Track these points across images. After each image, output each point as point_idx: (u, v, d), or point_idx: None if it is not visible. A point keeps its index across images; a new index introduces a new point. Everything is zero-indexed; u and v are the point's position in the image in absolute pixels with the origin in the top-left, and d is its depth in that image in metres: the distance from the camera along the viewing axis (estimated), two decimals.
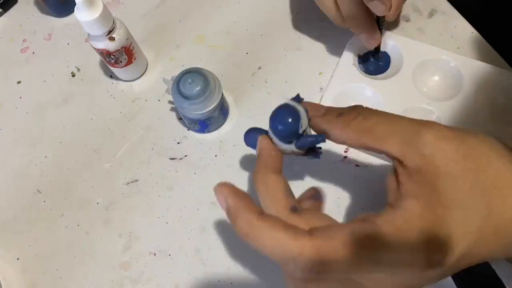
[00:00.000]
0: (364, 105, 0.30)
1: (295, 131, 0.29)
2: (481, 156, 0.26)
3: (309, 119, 0.30)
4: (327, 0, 0.40)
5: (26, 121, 0.50)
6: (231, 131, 0.47)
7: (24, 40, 0.55)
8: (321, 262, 0.24)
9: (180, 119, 0.48)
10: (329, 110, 0.30)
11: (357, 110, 0.29)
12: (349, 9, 0.39)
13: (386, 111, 0.29)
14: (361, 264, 0.24)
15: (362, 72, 0.45)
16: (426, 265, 0.25)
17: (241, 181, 0.44)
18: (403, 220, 0.25)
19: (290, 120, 0.29)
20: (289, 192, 0.29)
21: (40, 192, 0.47)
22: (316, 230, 0.25)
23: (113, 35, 0.42)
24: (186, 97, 0.41)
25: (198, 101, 0.40)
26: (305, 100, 0.31)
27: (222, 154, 0.46)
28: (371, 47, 0.44)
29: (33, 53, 0.54)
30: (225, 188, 0.28)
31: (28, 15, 0.56)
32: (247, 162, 0.45)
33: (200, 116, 0.42)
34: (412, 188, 0.26)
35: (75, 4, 0.39)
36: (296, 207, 0.28)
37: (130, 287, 0.42)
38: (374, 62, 0.45)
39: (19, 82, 0.53)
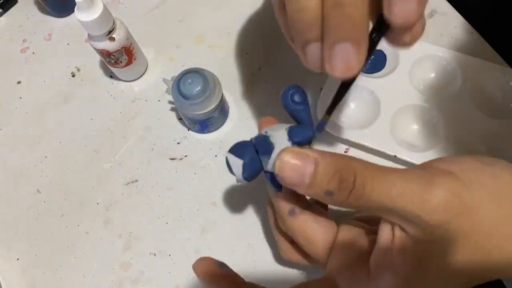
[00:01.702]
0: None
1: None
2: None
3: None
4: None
5: (26, 121, 0.50)
6: (231, 131, 0.47)
7: (24, 40, 0.55)
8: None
9: (180, 119, 0.48)
10: (314, 181, 0.24)
11: (349, 180, 0.24)
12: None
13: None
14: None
15: None
16: None
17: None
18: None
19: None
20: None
21: (40, 192, 0.47)
22: None
23: (113, 35, 0.42)
24: (186, 97, 0.41)
25: (198, 101, 0.40)
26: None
27: (222, 155, 0.46)
28: (342, 74, 0.24)
29: (33, 53, 0.54)
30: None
31: (28, 15, 0.56)
32: None
33: (200, 116, 0.42)
34: (398, 262, 0.25)
35: (75, 4, 0.39)
36: (293, 210, 0.29)
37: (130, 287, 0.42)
38: (370, 60, 0.45)
39: (19, 82, 0.53)
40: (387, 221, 0.25)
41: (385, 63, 0.45)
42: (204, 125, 0.45)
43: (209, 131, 0.46)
